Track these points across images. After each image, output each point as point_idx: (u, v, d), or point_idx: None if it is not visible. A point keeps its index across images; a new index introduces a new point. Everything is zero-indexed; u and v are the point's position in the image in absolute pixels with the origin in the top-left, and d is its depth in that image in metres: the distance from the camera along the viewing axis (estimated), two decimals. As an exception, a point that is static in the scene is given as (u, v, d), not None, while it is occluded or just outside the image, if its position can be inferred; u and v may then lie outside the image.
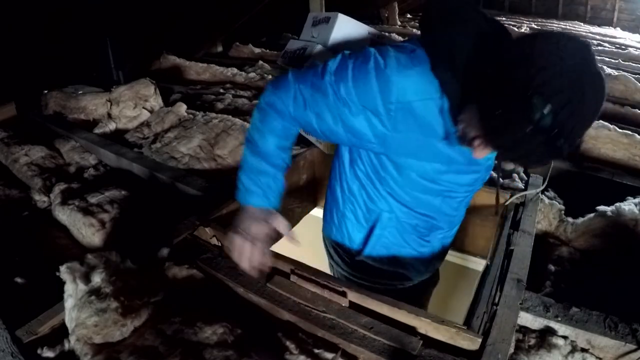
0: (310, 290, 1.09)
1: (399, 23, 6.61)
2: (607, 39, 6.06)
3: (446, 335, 0.99)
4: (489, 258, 1.42)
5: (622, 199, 1.59)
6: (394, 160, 1.08)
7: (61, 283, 0.99)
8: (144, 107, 2.30)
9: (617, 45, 5.41)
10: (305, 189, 2.04)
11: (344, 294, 1.06)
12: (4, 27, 2.48)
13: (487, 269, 1.32)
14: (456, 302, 2.43)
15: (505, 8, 10.28)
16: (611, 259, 1.40)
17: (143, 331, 0.94)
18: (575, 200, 1.65)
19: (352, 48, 1.10)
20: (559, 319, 1.08)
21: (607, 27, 8.47)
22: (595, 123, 2.14)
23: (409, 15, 7.66)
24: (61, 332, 0.99)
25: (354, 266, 1.32)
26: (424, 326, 1.01)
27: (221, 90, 2.84)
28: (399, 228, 1.21)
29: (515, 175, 1.78)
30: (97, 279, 0.99)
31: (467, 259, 2.01)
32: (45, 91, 2.35)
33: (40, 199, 1.63)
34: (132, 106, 2.26)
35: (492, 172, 1.11)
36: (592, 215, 1.52)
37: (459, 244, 1.88)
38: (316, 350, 0.97)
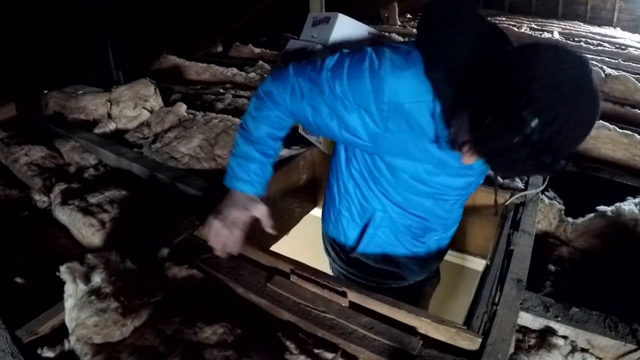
0: (310, 290, 1.09)
1: (399, 23, 6.61)
2: (607, 39, 6.06)
3: (446, 335, 0.99)
4: (489, 258, 1.42)
5: (622, 199, 1.59)
6: (386, 160, 1.09)
7: (61, 283, 0.99)
8: (144, 107, 2.30)
9: (617, 45, 5.41)
10: (305, 189, 2.04)
11: (344, 294, 1.06)
12: (4, 27, 2.48)
13: (487, 269, 1.32)
14: (456, 302, 2.43)
15: (505, 8, 10.28)
16: (611, 259, 1.40)
17: (143, 331, 0.94)
18: (575, 200, 1.65)
19: (352, 48, 1.10)
20: (559, 319, 1.08)
21: (607, 27, 8.48)
22: (595, 123, 2.15)
23: (409, 15, 7.67)
24: (61, 332, 0.99)
25: (349, 263, 1.34)
26: (424, 326, 1.01)
27: (221, 90, 2.84)
28: (392, 228, 1.22)
29: (515, 175, 1.78)
30: (97, 279, 0.99)
31: (467, 259, 2.01)
32: (45, 91, 2.35)
33: (40, 199, 1.63)
34: (132, 106, 2.26)
35: (491, 172, 1.11)
36: (592, 215, 1.52)
37: (459, 244, 1.89)
38: (316, 350, 0.97)
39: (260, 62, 3.52)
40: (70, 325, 0.95)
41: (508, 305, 1.08)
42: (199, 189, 1.59)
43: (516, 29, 5.94)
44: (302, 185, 2.00)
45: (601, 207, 1.53)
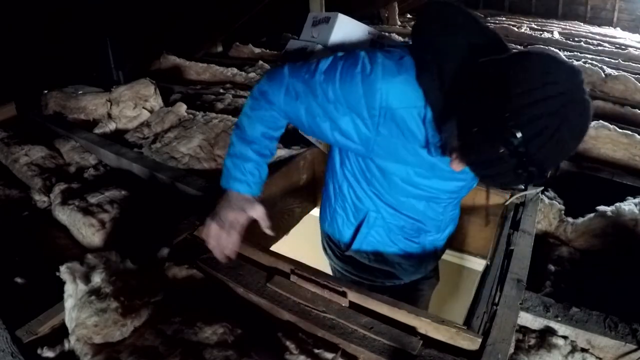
0: (310, 290, 1.09)
1: (399, 23, 6.60)
2: (607, 39, 6.05)
3: (446, 335, 0.99)
4: (489, 258, 1.42)
5: (622, 199, 1.59)
6: (378, 163, 1.10)
7: (61, 283, 0.99)
8: (144, 107, 2.30)
9: (617, 45, 5.40)
10: (305, 189, 2.04)
11: (344, 294, 1.06)
12: (4, 27, 2.48)
13: (487, 269, 1.32)
14: (456, 302, 2.44)
15: (505, 8, 10.27)
16: (611, 259, 1.40)
17: (143, 331, 0.94)
18: (575, 200, 1.65)
19: (349, 49, 1.10)
20: (559, 319, 1.08)
21: (607, 27, 8.47)
22: (595, 123, 2.15)
23: (409, 15, 7.65)
24: (61, 332, 0.99)
25: (344, 260, 1.36)
26: (424, 326, 1.01)
27: (221, 90, 2.84)
28: (385, 228, 1.23)
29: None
30: (97, 279, 0.99)
31: (467, 259, 2.01)
32: (45, 91, 2.35)
33: (40, 199, 1.63)
34: (132, 106, 2.26)
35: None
36: (592, 215, 1.52)
37: (459, 244, 1.89)
38: (316, 350, 0.97)
39: (260, 62, 3.52)
40: (70, 325, 0.95)
41: (508, 305, 1.08)
42: (199, 189, 1.59)
43: (516, 29, 5.93)
44: (302, 185, 2.00)
45: (601, 207, 1.53)
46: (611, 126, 2.13)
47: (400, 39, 4.30)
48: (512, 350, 1.03)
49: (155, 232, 1.28)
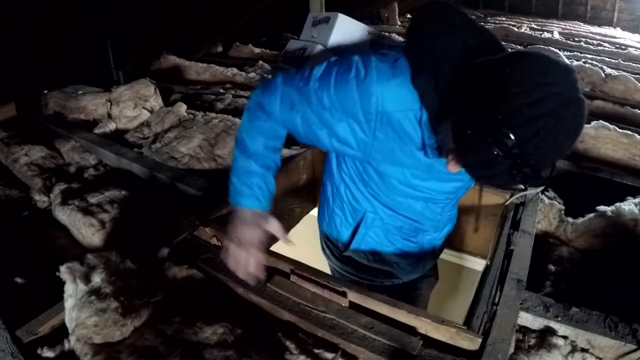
0: (310, 290, 1.09)
1: (399, 23, 6.61)
2: (607, 39, 6.06)
3: (446, 335, 0.99)
4: (489, 258, 1.42)
5: (622, 199, 1.59)
6: (375, 166, 1.10)
7: (61, 283, 0.99)
8: (144, 107, 2.30)
9: (617, 45, 5.41)
10: (305, 189, 2.04)
11: (344, 294, 1.06)
12: (4, 27, 2.48)
13: (487, 269, 1.32)
14: (456, 302, 2.43)
15: (505, 8, 10.28)
16: (611, 259, 1.40)
17: (143, 331, 0.94)
18: (575, 200, 1.65)
19: (352, 48, 1.10)
20: (559, 319, 1.08)
21: (607, 27, 8.48)
22: (595, 123, 2.15)
23: (409, 15, 7.64)
24: (61, 332, 0.99)
25: (342, 260, 1.36)
26: (424, 326, 1.01)
27: (221, 90, 2.84)
28: (383, 229, 1.24)
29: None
30: (97, 279, 0.99)
31: (467, 259, 2.01)
32: (45, 91, 2.35)
33: (40, 199, 1.63)
34: (132, 106, 2.26)
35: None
36: (592, 215, 1.52)
37: (458, 244, 1.89)
38: (316, 350, 0.97)
39: (260, 62, 3.52)
40: (70, 325, 0.95)
41: (508, 305, 1.08)
42: (199, 189, 1.59)
43: (516, 29, 5.93)
44: (302, 185, 2.00)
45: (601, 207, 1.53)
46: (611, 126, 2.13)
47: (400, 39, 4.30)
48: (512, 350, 1.03)
49: (155, 232, 1.28)
